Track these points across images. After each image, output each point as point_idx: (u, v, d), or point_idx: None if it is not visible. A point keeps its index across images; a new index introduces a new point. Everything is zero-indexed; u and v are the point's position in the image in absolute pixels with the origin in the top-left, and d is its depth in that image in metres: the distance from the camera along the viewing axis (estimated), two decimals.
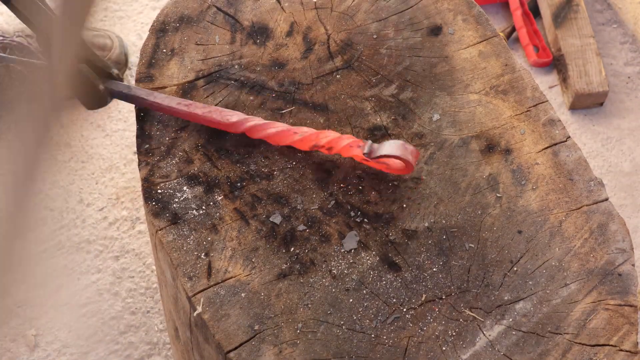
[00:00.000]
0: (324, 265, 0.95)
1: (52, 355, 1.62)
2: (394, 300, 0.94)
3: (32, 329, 1.65)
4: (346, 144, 0.98)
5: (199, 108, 1.03)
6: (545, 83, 2.07)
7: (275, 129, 1.01)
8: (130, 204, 1.82)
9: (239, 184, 1.01)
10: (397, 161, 0.98)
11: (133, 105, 1.07)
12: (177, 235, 0.97)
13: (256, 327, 0.91)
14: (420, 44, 1.14)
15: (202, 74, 1.11)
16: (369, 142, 0.98)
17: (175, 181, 1.01)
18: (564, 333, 0.92)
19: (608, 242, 0.98)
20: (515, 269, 0.96)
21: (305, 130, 1.00)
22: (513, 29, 2.13)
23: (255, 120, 1.02)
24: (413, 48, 1.13)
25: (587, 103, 2.02)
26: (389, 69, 1.12)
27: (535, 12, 2.17)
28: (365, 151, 0.97)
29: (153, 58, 1.11)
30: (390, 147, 0.96)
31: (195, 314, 0.92)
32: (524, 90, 1.10)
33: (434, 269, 0.96)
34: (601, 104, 2.03)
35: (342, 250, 0.97)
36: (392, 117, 1.07)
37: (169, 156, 1.03)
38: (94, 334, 1.65)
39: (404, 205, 1.00)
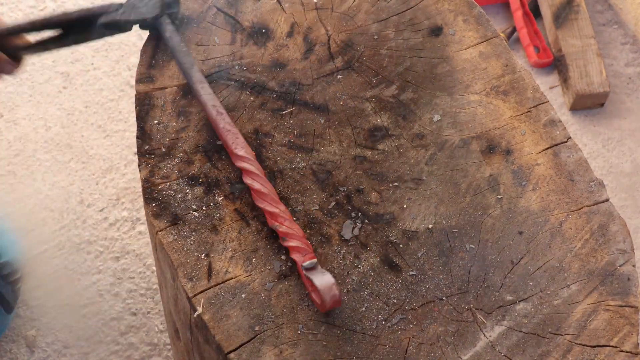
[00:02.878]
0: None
1: (53, 356, 1.62)
2: (395, 301, 0.93)
3: (32, 330, 1.65)
4: (296, 246, 0.94)
5: (224, 121, 1.02)
6: (546, 84, 2.07)
7: (264, 189, 0.97)
8: (131, 204, 1.82)
9: (239, 185, 1.01)
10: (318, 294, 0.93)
11: (134, 105, 1.07)
12: (177, 236, 0.97)
13: (257, 328, 0.91)
14: (421, 45, 1.14)
15: (203, 74, 1.10)
16: (315, 260, 0.93)
17: (175, 182, 1.01)
18: (565, 334, 0.92)
19: (609, 243, 0.98)
20: (515, 269, 0.96)
21: (283, 209, 0.96)
22: (514, 30, 2.13)
23: (253, 167, 0.99)
24: (414, 49, 1.13)
25: (588, 104, 2.02)
26: (390, 70, 1.12)
27: (536, 12, 2.17)
28: (305, 265, 0.92)
29: (153, 59, 1.11)
30: (321, 279, 0.91)
31: (195, 314, 0.92)
32: (524, 90, 1.10)
33: (435, 270, 0.96)
34: (602, 105, 2.03)
35: (343, 252, 0.96)
36: (393, 118, 1.07)
37: (169, 157, 1.03)
38: (95, 335, 1.65)
39: (405, 206, 1.00)
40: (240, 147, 1.00)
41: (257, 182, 0.98)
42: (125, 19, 1.07)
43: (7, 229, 1.63)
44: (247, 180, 0.98)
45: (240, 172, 1.00)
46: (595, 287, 0.95)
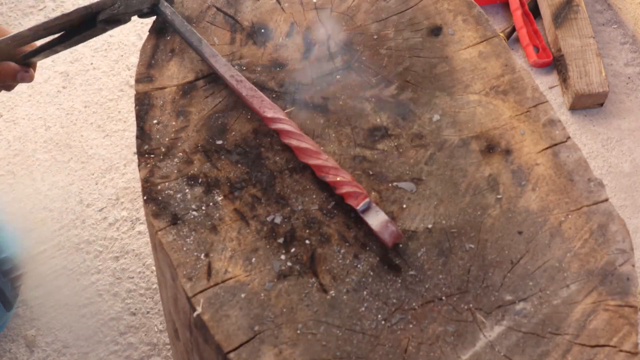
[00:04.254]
0: (324, 266, 0.95)
1: (52, 356, 1.62)
2: (394, 301, 0.94)
3: (32, 329, 1.65)
4: (347, 192, 0.98)
5: (246, 88, 1.05)
6: (546, 83, 2.07)
7: (304, 145, 1.00)
8: (130, 204, 1.82)
9: (238, 185, 1.01)
10: None
11: (133, 105, 1.07)
12: (176, 236, 0.97)
13: (256, 328, 0.91)
14: (421, 45, 1.14)
15: (202, 74, 1.10)
16: (368, 200, 0.96)
17: (175, 182, 1.01)
18: (564, 334, 0.92)
19: (608, 242, 0.98)
20: (515, 269, 0.96)
21: (325, 159, 1.00)
22: (513, 29, 2.14)
23: (288, 126, 1.02)
24: (413, 48, 1.13)
25: (587, 103, 2.02)
26: (389, 70, 1.12)
27: (536, 12, 2.17)
28: (360, 208, 0.96)
29: (153, 58, 1.11)
30: (375, 219, 0.96)
31: (195, 314, 0.92)
32: (524, 90, 1.10)
33: (434, 270, 0.96)
34: (601, 105, 2.03)
35: (342, 251, 0.96)
36: (392, 118, 1.07)
37: (168, 157, 1.03)
38: (94, 335, 1.65)
39: (404, 206, 1.00)
40: (269, 109, 1.03)
41: (295, 140, 1.01)
42: (123, 12, 1.08)
43: (8, 224, 1.63)
44: (285, 140, 1.01)
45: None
46: (594, 287, 0.95)
